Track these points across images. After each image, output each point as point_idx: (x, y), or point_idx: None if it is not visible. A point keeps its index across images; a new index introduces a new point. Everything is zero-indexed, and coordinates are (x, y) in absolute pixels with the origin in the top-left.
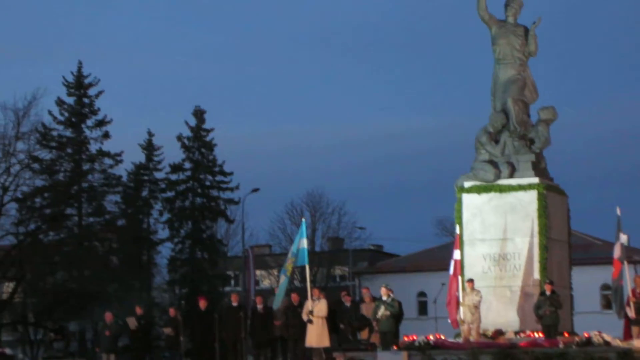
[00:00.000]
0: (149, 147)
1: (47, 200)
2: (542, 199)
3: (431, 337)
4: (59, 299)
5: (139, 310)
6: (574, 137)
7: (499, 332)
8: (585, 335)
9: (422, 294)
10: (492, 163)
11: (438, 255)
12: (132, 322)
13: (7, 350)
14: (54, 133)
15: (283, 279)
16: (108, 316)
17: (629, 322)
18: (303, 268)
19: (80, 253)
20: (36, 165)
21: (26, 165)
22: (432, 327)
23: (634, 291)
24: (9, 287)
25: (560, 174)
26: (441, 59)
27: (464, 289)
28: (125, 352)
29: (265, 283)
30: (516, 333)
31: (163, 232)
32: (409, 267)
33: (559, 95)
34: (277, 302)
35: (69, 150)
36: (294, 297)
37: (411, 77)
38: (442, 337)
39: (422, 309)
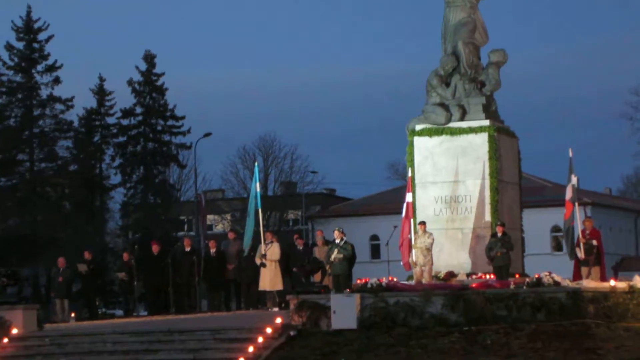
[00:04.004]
0: (100, 92)
1: None
2: (492, 142)
3: (384, 280)
4: (12, 244)
5: (87, 255)
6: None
7: (451, 274)
8: (536, 276)
9: (374, 237)
10: (443, 106)
11: (390, 199)
12: (82, 267)
13: None
14: (4, 78)
15: (248, 222)
16: (61, 262)
17: (578, 263)
18: (256, 212)
19: (33, 198)
20: None
21: None
22: (385, 270)
23: (583, 232)
24: None
25: (511, 117)
26: (395, 5)
27: (416, 231)
28: (79, 297)
29: (218, 227)
30: (468, 275)
31: (115, 178)
32: (362, 211)
33: (509, 38)
34: (247, 243)
35: (20, 96)
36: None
37: (366, 21)
38: (395, 280)
39: (375, 252)
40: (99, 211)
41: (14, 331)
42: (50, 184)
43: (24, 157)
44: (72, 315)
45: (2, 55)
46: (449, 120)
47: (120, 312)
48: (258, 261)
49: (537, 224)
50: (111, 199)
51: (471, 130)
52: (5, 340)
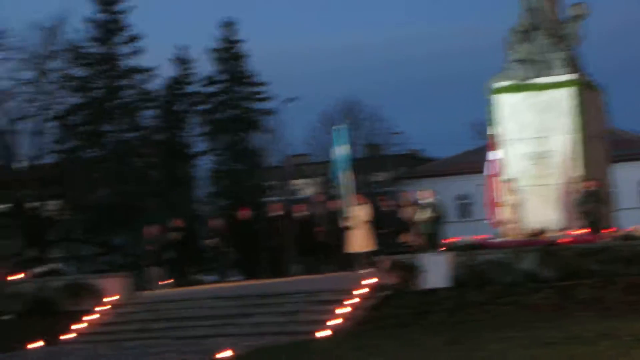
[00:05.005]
0: (182, 61)
1: (84, 118)
2: (577, 96)
3: (473, 238)
4: (102, 215)
5: (178, 223)
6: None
7: (540, 231)
8: (630, 229)
9: (461, 197)
10: (526, 62)
11: (476, 158)
12: (172, 235)
13: (57, 265)
14: (86, 50)
15: (337, 185)
16: (152, 230)
17: None
18: (343, 175)
19: (120, 169)
20: (71, 84)
21: (61, 83)
22: (473, 229)
23: None
24: (53, 205)
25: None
26: None
27: (503, 189)
28: (171, 265)
29: (305, 192)
30: (558, 231)
31: (200, 146)
32: (448, 171)
33: None
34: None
35: (102, 68)
36: (335, 203)
37: None
38: (484, 238)
39: (463, 211)
40: (186, 179)
41: (110, 299)
42: (136, 154)
43: (110, 128)
44: (165, 282)
45: (84, 27)
46: (532, 76)
47: (213, 279)
48: (347, 223)
49: (628, 178)
50: (197, 167)
51: (555, 85)
52: (100, 307)
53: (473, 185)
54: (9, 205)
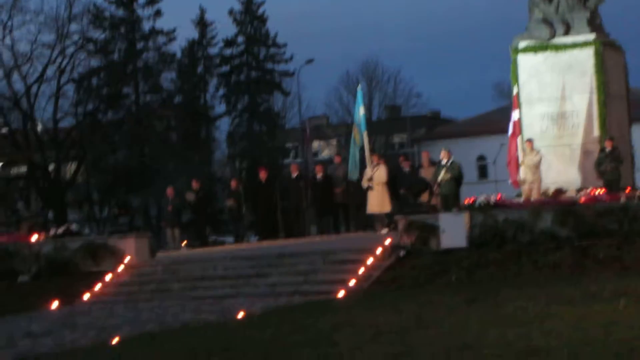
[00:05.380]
0: (201, 23)
1: (104, 81)
2: (598, 56)
3: (492, 198)
4: (121, 177)
5: (196, 185)
6: None
7: (560, 191)
8: None
9: (481, 158)
10: (547, 22)
11: (496, 118)
12: (190, 197)
13: (74, 227)
14: (106, 13)
15: (353, 149)
16: (170, 191)
17: None
18: (361, 135)
19: (139, 131)
20: (90, 46)
21: (80, 46)
22: (493, 190)
23: None
24: (71, 167)
25: (619, 30)
26: None
27: (523, 149)
28: (189, 226)
29: (324, 154)
30: (577, 191)
31: (220, 107)
32: (468, 132)
33: None
34: (355, 173)
35: (122, 30)
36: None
37: None
38: (503, 198)
39: (482, 172)
40: (205, 141)
41: (128, 259)
42: (156, 116)
43: (129, 90)
44: (183, 243)
45: None
46: (553, 36)
47: (230, 240)
48: (365, 184)
49: None
50: (217, 129)
51: (576, 45)
52: (120, 268)
53: (493, 146)
54: (28, 167)
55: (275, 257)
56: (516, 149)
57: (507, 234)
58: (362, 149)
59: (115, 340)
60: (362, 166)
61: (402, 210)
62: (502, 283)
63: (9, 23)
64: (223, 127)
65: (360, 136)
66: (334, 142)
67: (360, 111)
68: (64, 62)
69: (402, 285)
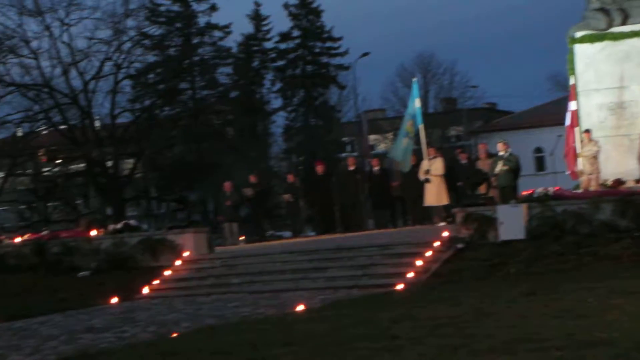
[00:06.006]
0: (257, 18)
1: (160, 76)
2: None
3: (550, 190)
4: (178, 172)
5: (253, 179)
6: None
7: (618, 182)
8: None
9: (538, 150)
10: (604, 11)
11: (553, 110)
12: (248, 191)
13: (132, 222)
14: (162, 8)
15: (406, 141)
16: (227, 186)
17: None
18: (418, 128)
19: (196, 126)
20: (147, 42)
21: (137, 42)
22: (550, 182)
23: None
24: (129, 163)
25: None
26: None
27: (581, 140)
28: (247, 221)
29: (380, 147)
30: (636, 181)
31: (276, 102)
32: (524, 123)
33: None
34: (407, 165)
35: (178, 25)
36: (411, 158)
37: None
38: (561, 189)
39: (539, 164)
40: (262, 136)
41: (186, 254)
42: (212, 111)
43: (186, 85)
44: (241, 238)
45: None
46: (610, 25)
47: (287, 234)
48: (422, 177)
49: None
50: (273, 123)
51: (634, 34)
52: (178, 262)
53: (550, 138)
54: (86, 164)
55: (333, 251)
56: (574, 140)
57: (566, 226)
58: (415, 141)
59: (175, 334)
60: (419, 159)
61: (459, 202)
62: (561, 275)
63: (67, 20)
64: (279, 121)
65: (416, 128)
66: (390, 135)
67: (416, 103)
68: (121, 58)
69: (461, 278)
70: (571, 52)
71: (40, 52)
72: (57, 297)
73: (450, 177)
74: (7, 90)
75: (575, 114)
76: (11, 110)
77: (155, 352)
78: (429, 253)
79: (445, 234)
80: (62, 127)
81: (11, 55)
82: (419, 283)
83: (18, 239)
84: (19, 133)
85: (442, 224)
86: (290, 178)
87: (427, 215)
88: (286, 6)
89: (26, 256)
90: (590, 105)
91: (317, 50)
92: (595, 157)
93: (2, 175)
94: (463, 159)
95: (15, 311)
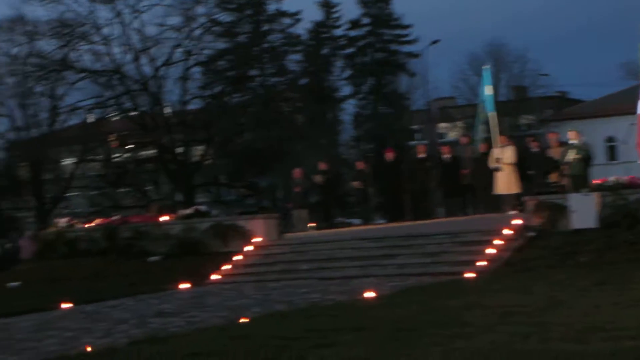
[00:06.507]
0: (326, 5)
1: (230, 63)
2: None
3: (623, 179)
4: (248, 159)
5: (323, 166)
6: None
7: None
8: None
9: (610, 139)
10: None
11: (625, 99)
12: (318, 178)
13: (202, 207)
14: None
15: (479, 125)
16: (297, 173)
17: None
18: (488, 116)
19: (266, 113)
20: (217, 29)
21: (207, 28)
22: (622, 171)
23: None
24: (199, 149)
25: None
26: None
27: None
28: (316, 208)
29: (451, 135)
30: None
31: (345, 89)
32: (596, 112)
33: None
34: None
35: (248, 12)
36: (482, 146)
37: None
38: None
39: (611, 154)
40: (332, 123)
41: (256, 240)
42: (282, 98)
43: (256, 72)
44: (310, 225)
45: None
46: None
47: (357, 221)
48: (493, 165)
49: None
50: (342, 111)
51: None
52: (248, 248)
53: (622, 127)
54: (157, 150)
55: (403, 238)
56: None
57: (639, 215)
58: (485, 129)
59: (245, 319)
60: (489, 147)
61: (530, 191)
62: (633, 264)
63: (138, 6)
64: (349, 108)
65: (486, 116)
66: (460, 123)
67: (487, 91)
68: (191, 45)
69: (532, 267)
70: None
71: (111, 39)
72: (127, 282)
73: (521, 165)
74: (78, 76)
75: None
76: (82, 97)
77: (225, 336)
78: (499, 241)
79: (516, 222)
80: (133, 113)
81: (83, 42)
82: (489, 271)
83: (89, 224)
84: (90, 119)
85: (513, 212)
86: (360, 165)
87: (498, 204)
88: None
89: (97, 241)
90: None
91: (387, 37)
92: None
93: (74, 161)
94: (534, 147)
95: (87, 295)
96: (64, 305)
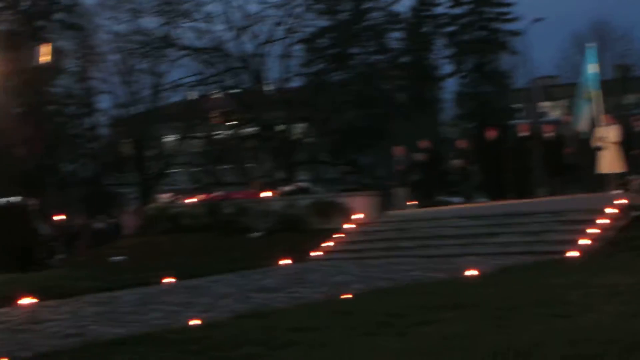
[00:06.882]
0: None
1: (332, 41)
2: None
3: None
4: (349, 137)
5: (424, 144)
6: None
7: None
8: None
9: None
10: None
11: None
12: (419, 156)
13: (304, 184)
14: None
15: (582, 104)
16: (398, 151)
17: None
18: (592, 94)
19: (367, 91)
20: (318, 6)
21: (308, 6)
22: None
23: None
24: (300, 127)
25: None
26: None
27: None
28: (418, 186)
29: (554, 114)
30: None
31: (447, 67)
32: None
33: None
34: (577, 124)
35: None
36: (585, 124)
37: None
38: None
39: None
40: (433, 102)
41: (357, 217)
42: (383, 77)
43: (357, 50)
44: (411, 203)
45: None
46: None
47: (458, 200)
48: (596, 144)
49: None
50: (444, 89)
51: None
52: (348, 225)
53: None
54: (258, 127)
55: (505, 217)
56: None
57: None
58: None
59: (346, 296)
60: (592, 126)
61: (634, 170)
62: None
63: None
64: (450, 87)
65: (590, 94)
66: (563, 102)
67: (591, 69)
68: (293, 23)
69: (636, 246)
70: None
71: (213, 16)
72: (229, 257)
73: (626, 144)
74: (180, 54)
75: None
76: (184, 74)
77: (327, 311)
78: (603, 220)
79: (620, 201)
80: (234, 90)
81: (185, 19)
82: (592, 250)
83: (191, 200)
84: (192, 96)
85: (616, 191)
86: (462, 144)
87: (601, 183)
88: None
89: (200, 217)
90: None
91: (489, 15)
92: None
93: (176, 138)
94: (638, 126)
95: (190, 270)
96: (167, 280)
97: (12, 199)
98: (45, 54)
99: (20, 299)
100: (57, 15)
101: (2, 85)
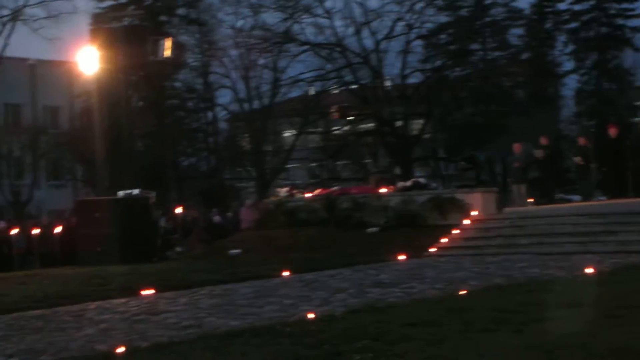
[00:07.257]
0: None
1: (452, 37)
2: None
3: None
4: (467, 133)
5: (544, 141)
6: None
7: None
8: None
9: None
10: None
11: None
12: (538, 153)
13: (421, 180)
14: None
15: None
16: (517, 147)
17: None
18: None
19: (486, 88)
20: (439, 2)
21: (429, 2)
22: None
23: None
24: (418, 123)
25: None
26: None
27: None
28: (536, 183)
29: None
30: None
31: (568, 64)
32: None
33: None
34: None
35: None
36: None
37: None
38: None
39: None
40: (553, 98)
41: (474, 214)
42: (503, 73)
43: (477, 46)
44: (529, 200)
45: None
46: None
47: (577, 198)
48: None
49: None
50: (564, 86)
51: None
52: (466, 221)
53: None
54: (376, 123)
55: (626, 215)
56: None
57: None
58: None
59: (463, 292)
60: None
61: None
62: None
63: None
64: (571, 84)
65: None
66: None
67: None
68: (413, 18)
69: None
70: None
71: (334, 12)
72: (345, 252)
73: None
74: (301, 49)
75: None
76: (304, 69)
77: (442, 307)
78: None
79: None
80: (353, 86)
81: (306, 14)
82: None
83: (309, 195)
84: (311, 92)
85: None
86: (582, 141)
87: None
88: None
89: (317, 211)
90: None
91: (613, 11)
92: None
93: (294, 133)
94: None
95: (306, 264)
96: (284, 273)
97: (132, 191)
98: (167, 48)
99: (140, 290)
100: (180, 11)
101: (124, 80)
